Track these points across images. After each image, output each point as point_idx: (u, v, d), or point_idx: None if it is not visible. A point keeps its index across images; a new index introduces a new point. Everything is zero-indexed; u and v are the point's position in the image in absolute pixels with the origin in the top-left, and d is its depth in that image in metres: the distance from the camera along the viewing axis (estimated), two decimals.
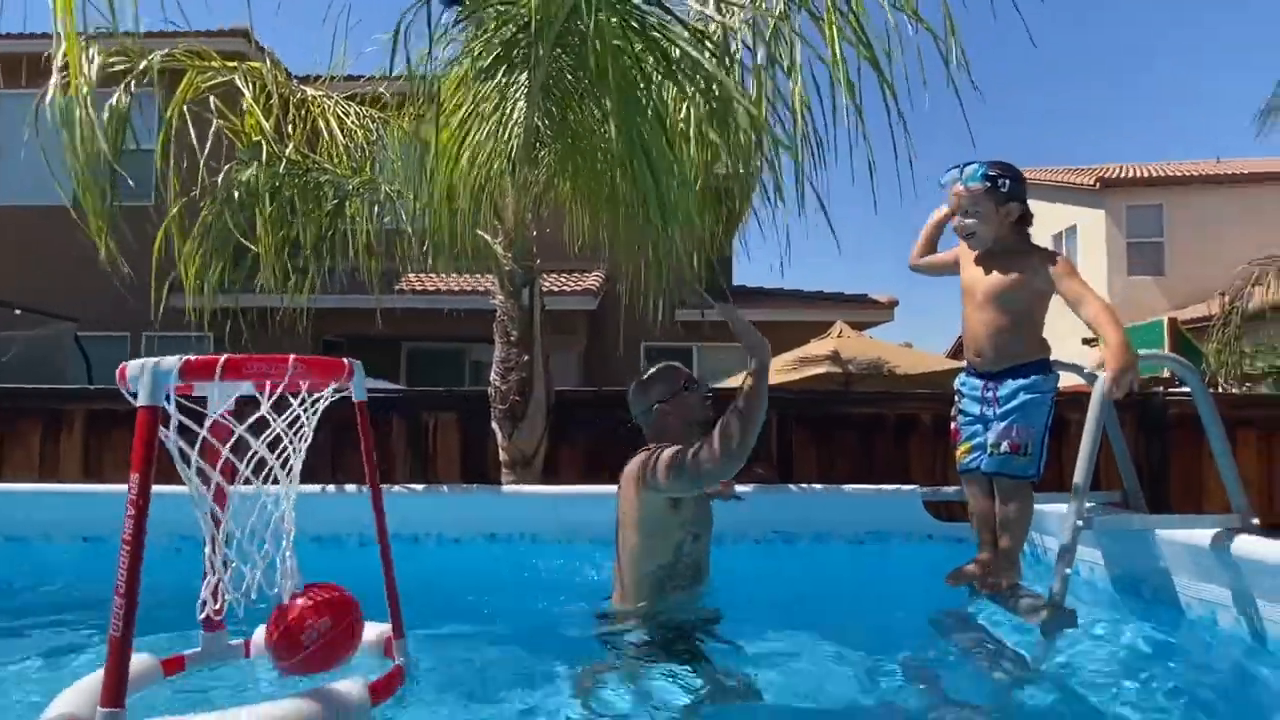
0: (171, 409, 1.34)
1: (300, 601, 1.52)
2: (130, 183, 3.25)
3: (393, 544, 3.13)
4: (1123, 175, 18.80)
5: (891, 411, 4.60)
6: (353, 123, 3.67)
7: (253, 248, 3.81)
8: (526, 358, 3.98)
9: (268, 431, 1.59)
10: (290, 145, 3.45)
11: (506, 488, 3.41)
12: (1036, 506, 2.36)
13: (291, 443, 1.64)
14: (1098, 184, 18.32)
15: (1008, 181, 2.36)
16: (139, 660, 1.66)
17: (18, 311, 8.52)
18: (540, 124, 3.41)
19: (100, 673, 1.49)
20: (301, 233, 3.58)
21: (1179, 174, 19.05)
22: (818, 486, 3.58)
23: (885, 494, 3.47)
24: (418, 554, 3.07)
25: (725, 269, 12.68)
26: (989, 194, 2.35)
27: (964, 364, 2.47)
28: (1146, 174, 19.00)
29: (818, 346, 10.06)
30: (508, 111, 3.64)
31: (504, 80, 3.47)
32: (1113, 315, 2.15)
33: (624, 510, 2.43)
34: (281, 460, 1.64)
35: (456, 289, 11.49)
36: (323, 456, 5.07)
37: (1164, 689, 1.90)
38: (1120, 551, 2.49)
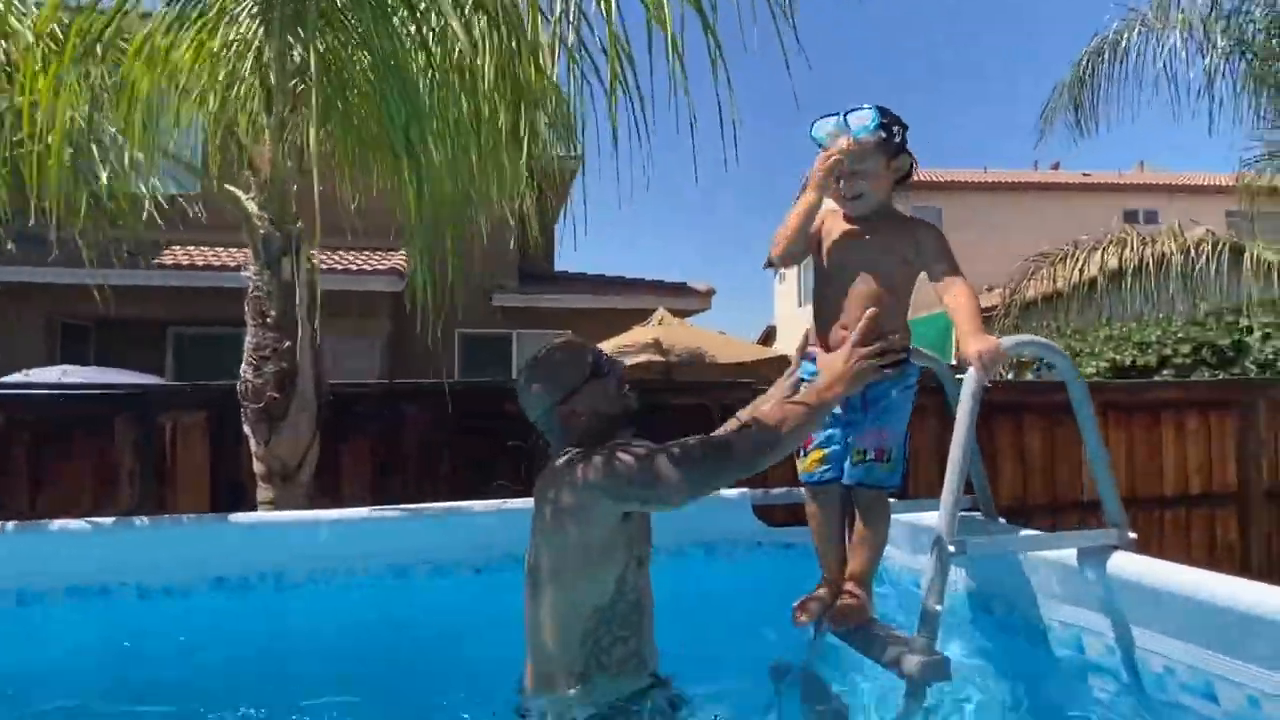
0: None
1: None
2: None
3: (77, 599, 2.31)
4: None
5: (716, 402, 4.31)
6: (26, 24, 2.64)
7: None
8: (288, 344, 3.21)
9: None
10: None
11: (234, 516, 2.63)
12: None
13: None
14: None
15: (901, 131, 1.96)
16: None
17: None
18: (290, 47, 2.67)
19: None
20: None
21: (955, 180, 21.31)
22: None
23: (711, 499, 3.11)
24: (110, 611, 2.25)
25: (547, 251, 12.18)
26: (881, 146, 1.93)
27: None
28: (929, 179, 21.00)
29: (640, 334, 9.80)
30: (249, 31, 2.86)
31: None
32: (978, 303, 1.86)
33: (551, 535, 1.78)
34: None
35: (234, 264, 9.98)
36: (18, 477, 3.99)
37: None
38: (986, 572, 2.18)
